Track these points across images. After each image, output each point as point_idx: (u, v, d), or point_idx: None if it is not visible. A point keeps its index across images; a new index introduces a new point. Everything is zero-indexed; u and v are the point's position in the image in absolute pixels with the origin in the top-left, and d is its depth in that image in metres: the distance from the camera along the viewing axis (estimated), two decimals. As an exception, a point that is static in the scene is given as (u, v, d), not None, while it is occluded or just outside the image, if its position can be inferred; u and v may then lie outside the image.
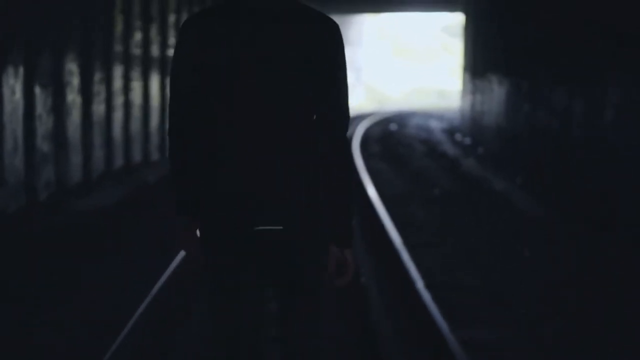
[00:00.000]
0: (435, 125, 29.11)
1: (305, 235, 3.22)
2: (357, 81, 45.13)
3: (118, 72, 14.17)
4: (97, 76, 13.09)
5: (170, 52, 16.99)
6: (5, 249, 8.89)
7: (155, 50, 16.37)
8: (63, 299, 7.13)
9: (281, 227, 3.18)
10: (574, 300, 7.40)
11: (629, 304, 7.41)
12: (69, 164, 11.96)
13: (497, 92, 18.76)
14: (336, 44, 3.22)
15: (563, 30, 13.30)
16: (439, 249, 9.27)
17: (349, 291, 7.11)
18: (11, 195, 10.07)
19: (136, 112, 15.35)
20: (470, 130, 22.70)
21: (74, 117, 12.14)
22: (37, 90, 10.75)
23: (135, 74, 15.21)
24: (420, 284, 7.09)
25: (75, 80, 12.11)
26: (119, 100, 14.26)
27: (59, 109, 11.54)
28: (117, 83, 14.15)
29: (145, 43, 15.73)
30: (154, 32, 16.21)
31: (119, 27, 14.14)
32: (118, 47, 14.11)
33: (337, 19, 39.32)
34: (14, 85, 10.09)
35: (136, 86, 15.30)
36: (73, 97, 12.08)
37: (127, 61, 14.67)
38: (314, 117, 3.23)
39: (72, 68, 11.96)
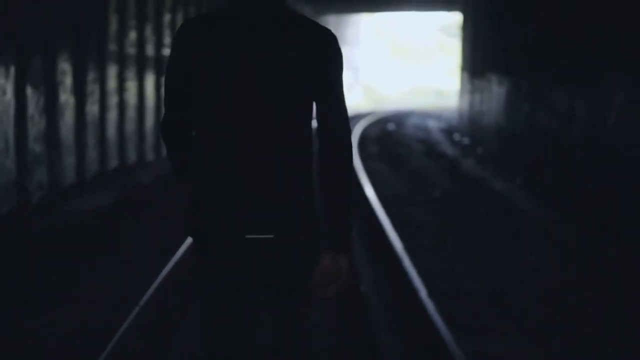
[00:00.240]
0: (433, 125, 29.21)
1: (305, 236, 3.22)
2: (355, 81, 45.12)
3: (112, 71, 14.06)
4: (91, 76, 12.97)
5: (166, 51, 16.89)
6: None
7: (150, 50, 16.26)
8: (62, 298, 7.04)
9: (272, 236, 3.17)
10: (574, 301, 7.35)
11: (629, 304, 7.39)
12: (62, 165, 11.85)
13: (496, 91, 18.72)
14: (334, 49, 3.24)
15: (563, 30, 13.29)
16: (439, 249, 9.20)
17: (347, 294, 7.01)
18: (3, 197, 9.97)
19: (131, 112, 15.24)
20: (469, 130, 22.72)
21: (67, 118, 12.02)
22: (29, 90, 10.64)
23: (130, 74, 15.10)
24: (419, 284, 6.98)
25: (68, 80, 11.99)
26: (113, 100, 14.15)
27: (51, 109, 11.42)
28: (112, 83, 14.04)
29: (140, 42, 15.63)
30: (149, 31, 16.10)
31: (113, 26, 14.03)
32: (112, 47, 14.00)
33: (334, 18, 39.31)
34: (5, 85, 9.98)
35: (131, 86, 15.19)
36: (66, 97, 11.95)
37: (122, 61, 14.57)
38: (314, 117, 3.25)
39: (65, 67, 11.84)
